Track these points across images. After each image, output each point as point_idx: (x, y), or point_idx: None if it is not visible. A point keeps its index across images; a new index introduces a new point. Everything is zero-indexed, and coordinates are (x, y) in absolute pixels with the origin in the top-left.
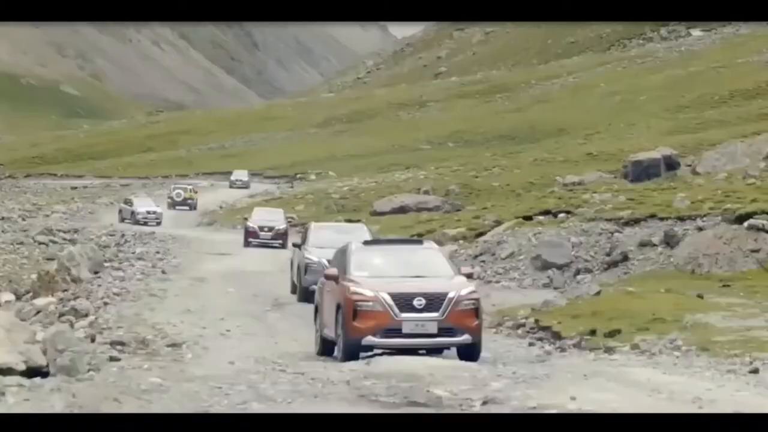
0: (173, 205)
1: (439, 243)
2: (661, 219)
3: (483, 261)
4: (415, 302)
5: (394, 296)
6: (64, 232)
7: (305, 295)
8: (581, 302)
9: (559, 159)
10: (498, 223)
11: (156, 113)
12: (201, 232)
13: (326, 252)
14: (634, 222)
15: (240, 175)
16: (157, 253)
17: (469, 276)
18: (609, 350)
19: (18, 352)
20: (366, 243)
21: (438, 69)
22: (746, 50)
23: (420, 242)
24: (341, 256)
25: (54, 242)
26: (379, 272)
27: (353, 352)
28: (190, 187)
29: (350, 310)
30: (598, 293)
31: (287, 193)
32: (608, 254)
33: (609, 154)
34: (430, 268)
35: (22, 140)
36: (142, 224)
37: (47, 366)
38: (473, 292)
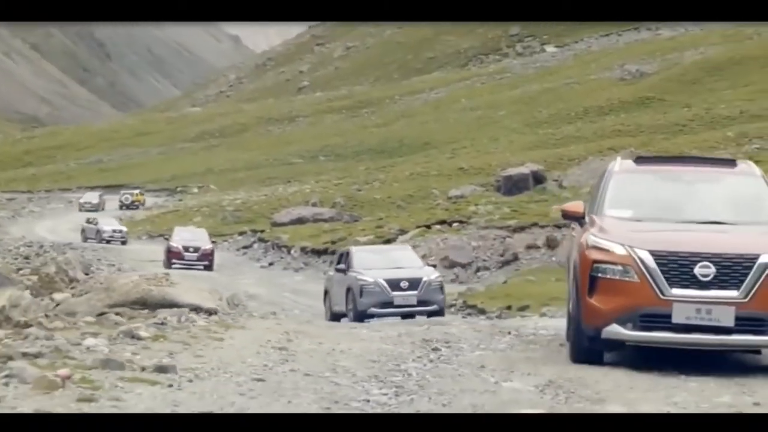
0: (122, 207)
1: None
2: (542, 226)
3: None
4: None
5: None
6: None
7: (362, 317)
8: (495, 288)
9: (433, 173)
10: (402, 231)
11: (31, 128)
12: (115, 244)
13: (376, 273)
14: (520, 229)
15: (90, 197)
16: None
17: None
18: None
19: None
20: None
21: (301, 83)
22: (598, 66)
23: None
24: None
25: None
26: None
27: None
28: (138, 191)
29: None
30: (505, 282)
31: (181, 206)
32: (502, 255)
33: (478, 168)
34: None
35: None
36: (107, 242)
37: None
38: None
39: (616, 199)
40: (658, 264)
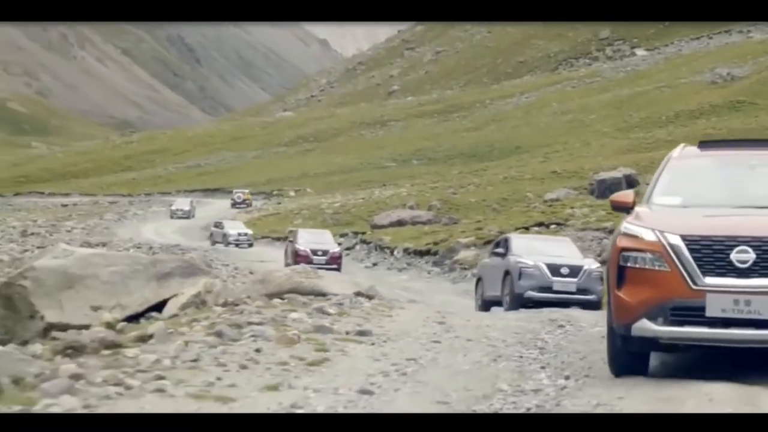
0: (234, 205)
1: (455, 250)
2: None
3: None
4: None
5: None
6: (103, 245)
7: (520, 301)
8: None
9: (526, 176)
10: (501, 233)
11: (129, 134)
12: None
13: (536, 258)
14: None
15: (181, 204)
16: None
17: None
18: None
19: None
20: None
21: (391, 87)
22: (688, 70)
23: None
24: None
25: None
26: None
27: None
28: (247, 190)
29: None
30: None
31: (281, 209)
32: (599, 255)
33: (571, 172)
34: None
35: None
36: (235, 245)
37: None
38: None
39: (668, 186)
40: (690, 250)
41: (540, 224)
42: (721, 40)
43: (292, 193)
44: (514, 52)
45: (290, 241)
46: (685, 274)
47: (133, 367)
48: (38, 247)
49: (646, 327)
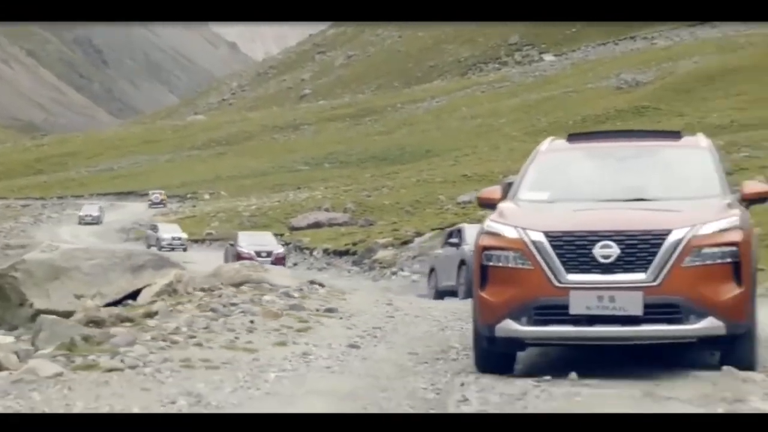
0: (152, 205)
1: (373, 250)
2: None
3: (421, 260)
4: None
5: None
6: (21, 247)
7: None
8: None
9: (438, 180)
10: (418, 233)
11: (40, 137)
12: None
13: None
14: None
15: (89, 210)
16: None
17: None
18: None
19: None
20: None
21: (303, 91)
22: (595, 75)
23: None
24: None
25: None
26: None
27: None
28: (163, 191)
29: None
30: None
31: (197, 212)
32: None
33: (481, 175)
34: None
35: None
36: (168, 249)
37: None
38: None
39: (536, 181)
40: (553, 247)
41: (454, 225)
42: (627, 46)
43: (206, 196)
44: (425, 56)
45: (231, 245)
46: (549, 272)
47: (163, 331)
48: None
49: (510, 327)
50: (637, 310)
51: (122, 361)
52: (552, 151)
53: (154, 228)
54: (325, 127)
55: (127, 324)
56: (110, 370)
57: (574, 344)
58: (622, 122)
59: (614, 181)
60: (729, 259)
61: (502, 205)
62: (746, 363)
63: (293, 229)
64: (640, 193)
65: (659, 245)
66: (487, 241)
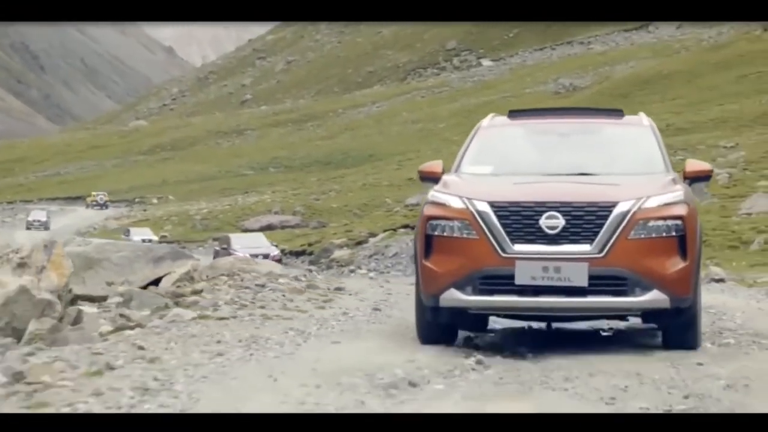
0: (98, 206)
1: (329, 250)
2: None
3: (377, 258)
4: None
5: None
6: None
7: None
8: None
9: (384, 183)
10: (372, 234)
11: None
12: None
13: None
14: None
15: (38, 215)
16: None
17: None
18: None
19: None
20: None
21: (244, 96)
22: (533, 80)
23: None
24: None
25: None
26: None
27: None
28: (106, 193)
29: None
30: None
31: (149, 215)
32: None
33: None
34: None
35: None
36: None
37: None
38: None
39: (478, 155)
40: (499, 217)
41: (406, 226)
42: (564, 51)
43: (154, 201)
44: (364, 62)
45: (223, 248)
46: (494, 242)
47: (224, 300)
48: None
49: (454, 297)
50: (583, 282)
51: (219, 316)
52: (493, 126)
53: (126, 231)
54: (269, 132)
55: (187, 299)
56: (221, 319)
57: (519, 315)
58: None
59: (557, 156)
60: (674, 233)
61: (446, 177)
62: (689, 343)
63: (246, 230)
64: (583, 169)
65: (605, 217)
66: (431, 211)
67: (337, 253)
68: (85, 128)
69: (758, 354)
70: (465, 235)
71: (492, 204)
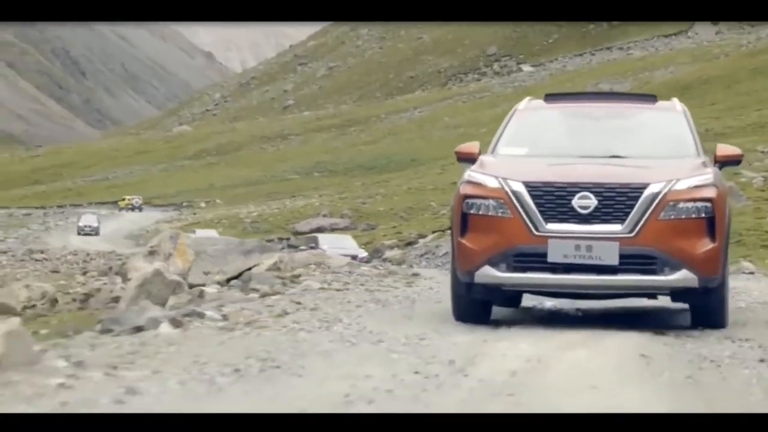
0: (134, 209)
1: (381, 251)
2: None
3: (428, 257)
4: None
5: None
6: (40, 252)
7: None
8: None
9: (429, 187)
10: (421, 235)
11: (34, 148)
12: None
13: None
14: None
15: (88, 220)
16: None
17: None
18: None
19: None
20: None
21: (286, 102)
22: (573, 86)
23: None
24: None
25: (36, 260)
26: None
27: None
28: (139, 196)
29: None
30: None
31: (200, 219)
32: None
33: None
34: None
35: None
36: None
37: None
38: None
39: (514, 137)
40: (533, 197)
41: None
42: (603, 57)
43: (202, 204)
44: (405, 67)
45: (311, 246)
46: (528, 221)
47: (325, 282)
48: None
49: (489, 273)
50: (613, 260)
51: (336, 288)
52: (529, 109)
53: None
54: (312, 137)
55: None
56: (338, 290)
57: (551, 292)
58: None
59: (591, 139)
60: (703, 215)
61: (482, 158)
62: (717, 322)
63: (297, 233)
64: (616, 152)
65: (636, 198)
66: (468, 190)
67: (389, 254)
68: (128, 133)
69: (761, 311)
70: (500, 214)
71: (526, 184)
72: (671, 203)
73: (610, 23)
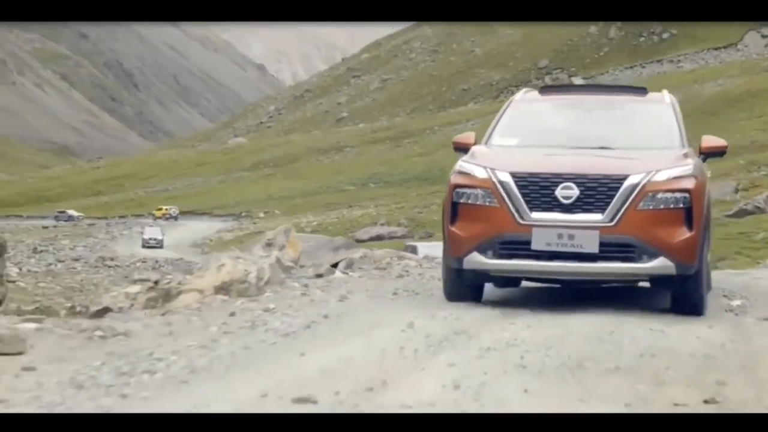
0: (170, 218)
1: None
2: None
3: None
4: None
5: None
6: (110, 259)
7: None
8: None
9: None
10: None
11: (96, 160)
12: None
13: None
14: None
15: (153, 233)
16: None
17: None
18: None
19: None
20: None
21: (340, 114)
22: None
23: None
24: None
25: (109, 266)
26: None
27: None
28: (175, 207)
29: None
30: None
31: (261, 228)
32: None
33: None
34: None
35: None
36: None
37: None
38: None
39: (507, 128)
40: (519, 187)
41: None
42: (653, 70)
43: (261, 214)
44: (458, 80)
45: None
46: (513, 210)
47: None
48: (59, 261)
49: (476, 260)
50: (594, 248)
51: (401, 274)
52: (524, 101)
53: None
54: (367, 149)
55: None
56: (399, 276)
57: (535, 278)
58: None
59: (580, 130)
60: (681, 205)
61: (474, 148)
62: (694, 308)
63: (357, 241)
64: (604, 142)
65: (616, 189)
66: (458, 180)
67: None
68: (184, 145)
69: (751, 279)
70: (487, 203)
71: (513, 174)
72: (650, 194)
73: (660, 36)
